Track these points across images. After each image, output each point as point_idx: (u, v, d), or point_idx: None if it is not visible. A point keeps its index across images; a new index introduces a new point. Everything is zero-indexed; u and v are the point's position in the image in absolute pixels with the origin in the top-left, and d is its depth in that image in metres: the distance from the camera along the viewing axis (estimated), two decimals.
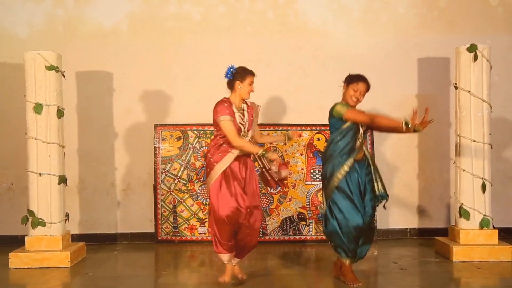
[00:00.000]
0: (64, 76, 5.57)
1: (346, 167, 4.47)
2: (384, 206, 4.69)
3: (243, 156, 4.54)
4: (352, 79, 4.57)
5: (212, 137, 4.71)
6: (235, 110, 4.51)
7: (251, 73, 4.58)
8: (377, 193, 4.62)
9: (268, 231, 6.23)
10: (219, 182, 4.45)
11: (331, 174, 4.50)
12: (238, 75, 4.55)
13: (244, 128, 4.52)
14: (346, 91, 4.59)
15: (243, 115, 4.55)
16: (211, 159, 4.50)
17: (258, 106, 4.74)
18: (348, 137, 4.51)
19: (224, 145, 4.49)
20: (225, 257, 4.57)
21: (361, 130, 4.56)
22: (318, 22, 6.47)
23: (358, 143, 4.53)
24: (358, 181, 4.52)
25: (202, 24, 6.45)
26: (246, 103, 4.63)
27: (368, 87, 4.58)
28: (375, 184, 4.62)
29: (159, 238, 6.26)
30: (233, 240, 4.54)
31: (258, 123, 4.76)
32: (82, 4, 6.41)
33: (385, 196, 4.64)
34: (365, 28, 6.46)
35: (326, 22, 6.47)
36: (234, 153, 4.47)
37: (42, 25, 6.38)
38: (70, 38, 6.37)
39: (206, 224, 6.21)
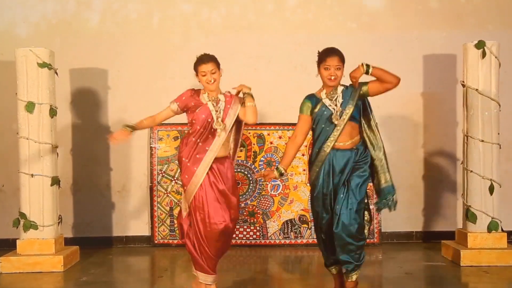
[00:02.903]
0: (57, 74, 5.49)
1: (319, 159, 4.03)
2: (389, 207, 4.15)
3: (222, 157, 4.12)
4: (319, 59, 4.08)
5: (185, 135, 4.23)
6: (204, 99, 4.11)
7: (201, 61, 4.12)
8: (383, 185, 4.10)
9: (269, 234, 6.15)
10: (205, 189, 4.05)
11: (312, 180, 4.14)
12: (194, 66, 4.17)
13: (219, 117, 4.06)
14: (320, 74, 4.09)
15: (217, 103, 4.11)
16: (188, 164, 4.06)
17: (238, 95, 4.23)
18: (321, 123, 4.05)
19: (200, 143, 4.06)
20: (210, 278, 4.19)
21: (336, 110, 4.01)
22: (320, 18, 6.38)
23: (335, 129, 4.00)
24: (331, 175, 4.02)
25: (200, 21, 6.37)
26: (226, 94, 4.20)
27: (340, 58, 4.07)
28: (378, 176, 4.10)
29: (156, 242, 6.19)
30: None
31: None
32: (77, 1, 6.31)
33: (388, 193, 4.12)
34: (368, 24, 6.37)
35: (328, 18, 6.38)
36: (214, 150, 4.05)
37: (35, 21, 6.29)
38: (63, 35, 6.29)
39: None
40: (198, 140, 4.07)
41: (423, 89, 6.32)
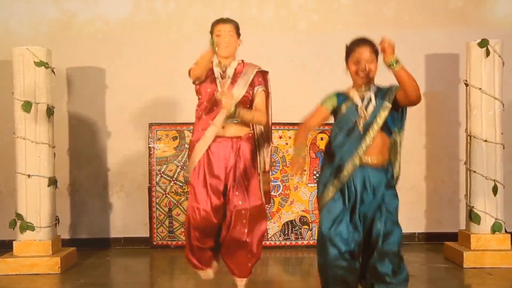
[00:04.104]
0: (54, 73, 5.44)
1: (336, 182, 3.40)
2: None
3: (232, 137, 3.68)
4: (347, 51, 3.51)
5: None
6: (215, 68, 3.78)
7: (220, 20, 3.79)
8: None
9: (269, 235, 6.10)
10: (198, 169, 3.66)
11: (323, 186, 3.49)
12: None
13: (224, 84, 3.68)
14: (349, 69, 3.50)
15: (224, 71, 3.74)
16: (192, 138, 3.74)
17: (263, 71, 3.86)
18: (344, 128, 3.40)
19: (203, 116, 3.69)
20: (202, 274, 3.87)
21: (366, 114, 3.38)
22: (321, 17, 6.34)
23: (361, 142, 3.37)
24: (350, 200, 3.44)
25: (199, 20, 6.30)
26: (241, 63, 3.86)
27: (373, 49, 3.47)
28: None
29: (154, 243, 6.13)
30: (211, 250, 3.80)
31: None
32: None
33: None
34: (369, 23, 6.32)
35: (329, 17, 6.34)
36: (217, 125, 3.60)
37: (32, 19, 6.24)
38: (60, 33, 6.24)
39: None
40: (202, 113, 3.72)
41: (426, 88, 6.26)
